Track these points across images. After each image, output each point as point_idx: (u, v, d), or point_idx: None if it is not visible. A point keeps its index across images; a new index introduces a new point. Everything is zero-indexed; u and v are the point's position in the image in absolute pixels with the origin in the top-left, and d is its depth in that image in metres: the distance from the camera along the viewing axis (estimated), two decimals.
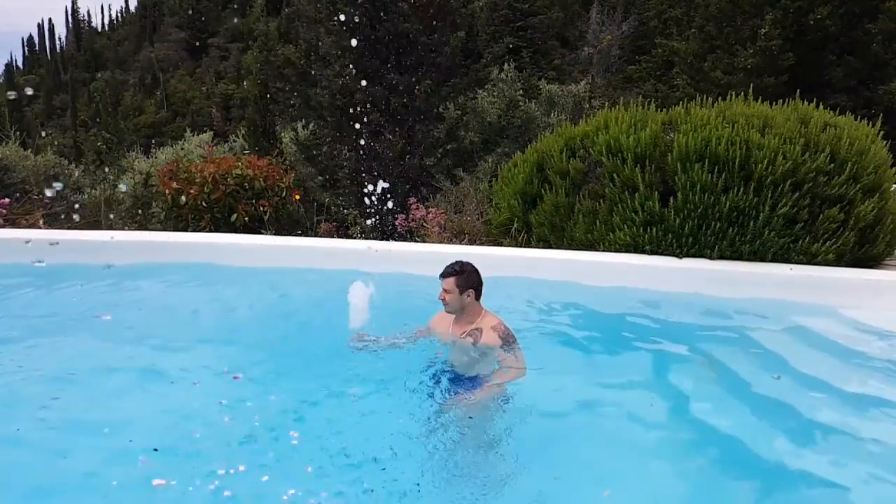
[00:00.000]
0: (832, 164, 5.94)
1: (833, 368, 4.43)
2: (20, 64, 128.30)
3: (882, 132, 6.51)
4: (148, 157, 15.10)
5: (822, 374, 4.27)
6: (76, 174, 10.82)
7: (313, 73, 12.40)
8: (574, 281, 5.80)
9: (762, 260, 5.94)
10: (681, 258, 6.01)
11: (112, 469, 2.95)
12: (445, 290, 3.69)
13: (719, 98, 6.82)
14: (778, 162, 5.79)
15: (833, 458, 3.30)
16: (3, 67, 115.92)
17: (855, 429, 3.59)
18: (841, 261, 6.03)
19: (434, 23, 12.09)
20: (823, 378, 4.22)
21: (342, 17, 11.75)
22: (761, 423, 3.68)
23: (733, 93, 6.86)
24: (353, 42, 11.72)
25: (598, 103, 13.20)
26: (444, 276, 3.71)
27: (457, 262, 3.77)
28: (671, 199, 6.01)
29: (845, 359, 4.58)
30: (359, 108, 11.76)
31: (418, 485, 2.89)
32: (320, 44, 12.31)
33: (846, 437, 3.53)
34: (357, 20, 11.63)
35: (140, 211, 9.63)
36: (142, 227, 9.23)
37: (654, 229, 6.03)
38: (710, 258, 5.97)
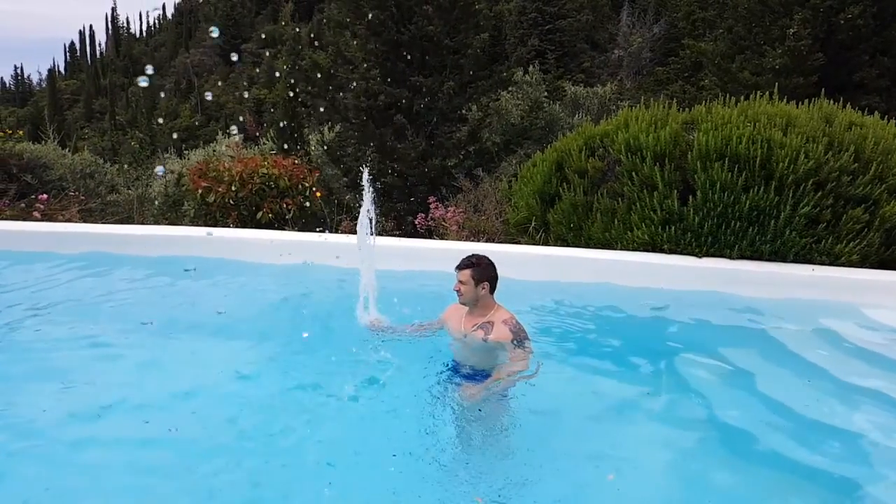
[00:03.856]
0: (856, 164, 5.84)
1: (856, 369, 4.37)
2: (62, 69, 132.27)
3: None
4: (181, 159, 15.51)
5: (845, 375, 4.22)
6: (109, 174, 11.16)
7: (340, 76, 12.60)
8: (591, 280, 5.80)
9: (783, 260, 5.87)
10: (700, 257, 5.97)
11: (130, 448, 3.08)
12: (461, 282, 3.73)
13: (744, 98, 6.74)
14: (800, 161, 5.72)
15: (853, 461, 3.27)
16: (47, 72, 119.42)
17: (878, 431, 3.55)
18: (866, 262, 5.92)
19: (458, 24, 12.20)
20: (846, 379, 4.17)
21: (368, 20, 11.93)
22: (780, 423, 3.65)
23: (758, 93, 6.78)
24: (378, 45, 11.90)
25: (626, 105, 13.14)
26: (460, 267, 3.76)
27: (473, 254, 3.82)
28: (690, 198, 5.97)
29: (868, 360, 4.51)
30: (382, 111, 11.91)
31: (429, 474, 2.95)
32: (346, 47, 12.51)
33: (868, 439, 3.49)
34: (382, 23, 11.80)
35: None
36: (173, 224, 9.49)
37: (673, 228, 6.00)
38: (730, 258, 5.92)
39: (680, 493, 3.00)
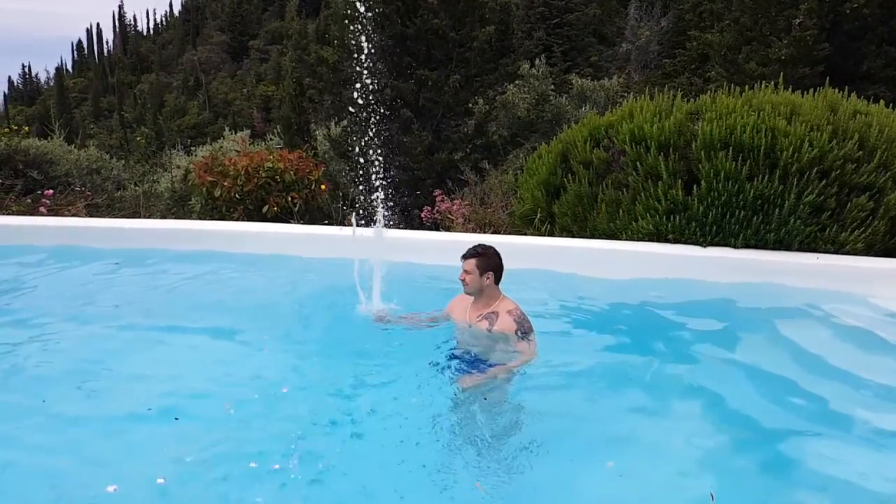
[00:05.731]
0: (861, 152, 5.82)
1: (861, 357, 4.37)
2: (70, 67, 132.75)
3: None
4: (188, 156, 15.63)
5: (850, 362, 4.22)
6: (116, 170, 11.24)
7: (345, 70, 12.62)
8: (596, 271, 5.80)
9: (787, 249, 5.86)
10: (704, 247, 5.97)
11: (133, 434, 3.14)
12: (466, 271, 3.76)
13: (749, 89, 6.71)
14: (804, 149, 5.70)
15: (858, 449, 3.28)
16: (54, 71, 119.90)
17: (883, 417, 3.56)
18: (871, 250, 5.90)
19: (464, 17, 12.19)
20: (851, 367, 4.17)
21: (374, 13, 11.94)
22: (784, 412, 3.66)
23: (764, 83, 6.75)
24: (383, 38, 11.91)
25: (633, 98, 13.09)
26: (465, 256, 3.79)
27: (479, 244, 3.85)
28: (695, 188, 5.97)
29: (874, 347, 4.50)
30: (389, 104, 11.93)
31: (432, 460, 2.99)
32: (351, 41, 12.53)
33: (872, 426, 3.50)
34: (387, 17, 11.81)
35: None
36: (179, 219, 9.54)
37: (678, 218, 6.00)
38: (735, 247, 5.91)
39: (680, 485, 3.02)
